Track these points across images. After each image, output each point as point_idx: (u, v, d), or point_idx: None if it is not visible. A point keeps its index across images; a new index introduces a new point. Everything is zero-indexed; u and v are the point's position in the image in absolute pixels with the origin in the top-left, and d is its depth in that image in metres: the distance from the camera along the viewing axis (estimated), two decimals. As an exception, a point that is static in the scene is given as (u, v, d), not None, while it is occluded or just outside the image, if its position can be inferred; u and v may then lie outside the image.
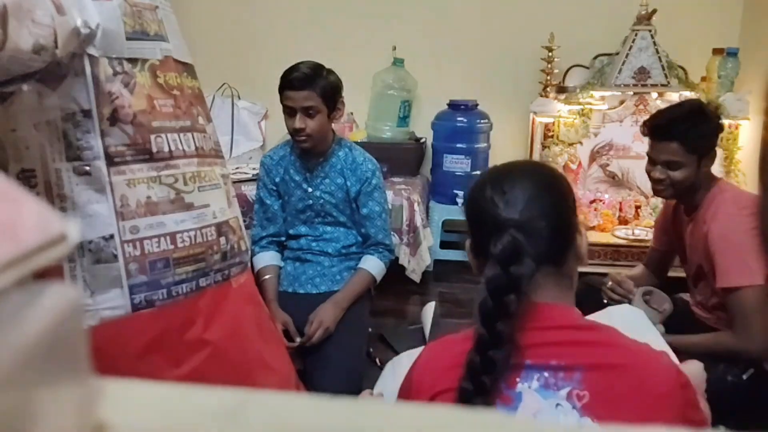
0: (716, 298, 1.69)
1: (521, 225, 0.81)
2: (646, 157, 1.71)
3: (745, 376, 1.58)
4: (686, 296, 2.05)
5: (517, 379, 0.79)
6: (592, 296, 2.10)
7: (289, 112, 1.82)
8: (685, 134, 1.58)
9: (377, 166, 1.96)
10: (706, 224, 1.60)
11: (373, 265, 1.90)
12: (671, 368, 0.81)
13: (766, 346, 1.53)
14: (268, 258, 1.95)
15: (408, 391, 0.88)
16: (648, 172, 1.70)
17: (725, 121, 2.59)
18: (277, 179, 1.95)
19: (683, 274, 1.93)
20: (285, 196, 1.96)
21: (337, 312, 1.77)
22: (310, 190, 1.92)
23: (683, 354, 1.56)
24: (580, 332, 0.82)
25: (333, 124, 1.93)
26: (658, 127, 1.65)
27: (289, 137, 1.94)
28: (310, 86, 1.79)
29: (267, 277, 1.89)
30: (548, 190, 0.86)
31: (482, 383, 0.77)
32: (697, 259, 1.70)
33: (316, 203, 1.92)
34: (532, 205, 0.83)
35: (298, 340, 1.70)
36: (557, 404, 0.77)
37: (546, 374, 0.79)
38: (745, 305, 1.53)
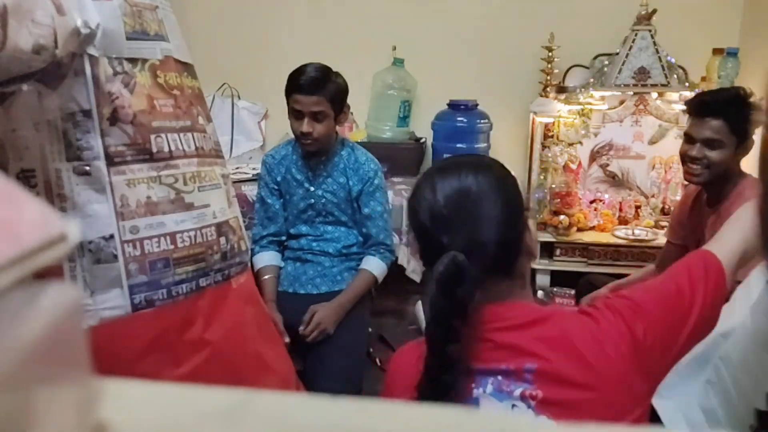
0: None
1: (464, 248, 0.79)
2: (683, 137, 1.68)
3: None
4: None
5: (473, 386, 0.80)
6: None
7: (297, 115, 1.82)
8: (731, 113, 1.57)
9: (379, 166, 1.96)
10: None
11: (374, 266, 1.90)
12: (612, 330, 0.81)
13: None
14: (268, 258, 1.95)
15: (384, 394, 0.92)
16: (683, 153, 1.66)
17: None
18: (279, 178, 1.95)
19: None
20: (286, 195, 1.96)
21: (338, 314, 1.77)
22: (312, 189, 1.92)
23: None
24: (529, 330, 0.81)
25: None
26: (704, 104, 1.64)
27: (291, 136, 1.94)
28: (320, 91, 1.79)
29: (266, 277, 1.89)
30: (493, 201, 0.83)
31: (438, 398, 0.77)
32: None
33: (318, 202, 1.92)
34: (474, 226, 0.81)
35: (287, 339, 1.69)
36: (513, 405, 0.77)
37: (499, 378, 0.79)
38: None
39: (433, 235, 0.83)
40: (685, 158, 1.66)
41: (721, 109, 1.59)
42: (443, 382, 0.77)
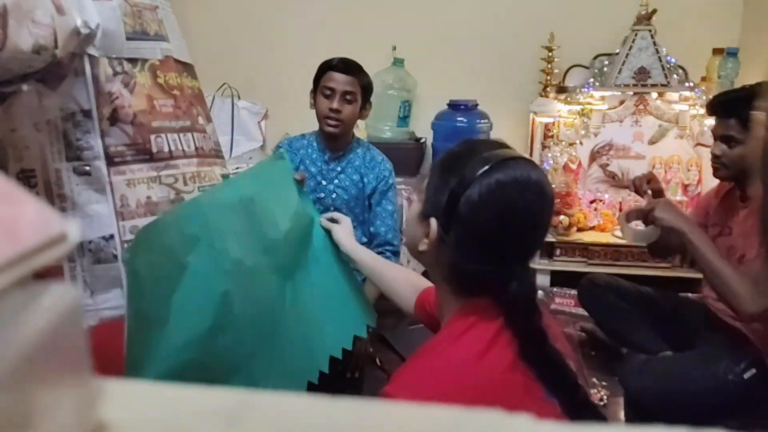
0: None
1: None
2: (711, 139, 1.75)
3: (746, 376, 1.57)
4: (694, 296, 2.05)
5: None
6: (594, 295, 2.11)
7: (329, 94, 1.85)
8: (743, 112, 1.62)
9: (392, 167, 2.00)
10: None
11: None
12: None
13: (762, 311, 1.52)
14: None
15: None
16: (711, 153, 1.74)
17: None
18: (312, 169, 1.96)
19: (687, 275, 1.93)
20: None
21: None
22: (324, 182, 1.94)
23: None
24: None
25: None
26: (719, 104, 1.72)
27: (291, 136, 1.95)
28: (355, 74, 1.87)
29: None
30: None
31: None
32: (743, 245, 1.68)
33: (328, 197, 1.93)
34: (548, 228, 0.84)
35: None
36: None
37: None
38: None
39: (536, 228, 0.81)
40: (711, 156, 1.74)
41: (733, 108, 1.65)
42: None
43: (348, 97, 1.85)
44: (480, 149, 0.82)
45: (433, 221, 0.81)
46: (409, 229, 0.89)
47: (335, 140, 1.92)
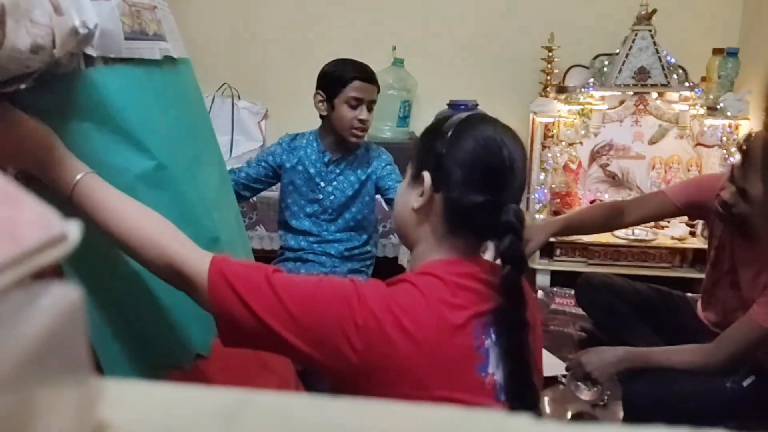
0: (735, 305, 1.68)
1: (518, 197, 0.89)
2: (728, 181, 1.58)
3: (745, 384, 1.56)
4: (690, 295, 2.05)
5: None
6: (590, 295, 2.11)
7: (355, 104, 1.83)
8: None
9: (389, 155, 2.01)
10: None
11: None
12: None
13: (723, 369, 1.54)
14: None
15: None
16: (721, 196, 1.59)
17: (724, 122, 2.60)
18: (287, 165, 1.94)
19: (687, 275, 1.92)
20: (289, 186, 1.95)
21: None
22: (322, 184, 1.93)
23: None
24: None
25: None
26: (759, 149, 1.50)
27: (303, 132, 1.97)
28: (376, 82, 1.89)
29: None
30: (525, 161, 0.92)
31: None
32: (734, 265, 1.66)
33: (326, 198, 1.93)
34: (523, 173, 0.89)
35: None
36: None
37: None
38: (755, 339, 1.50)
39: (506, 173, 0.87)
40: (718, 200, 1.61)
41: None
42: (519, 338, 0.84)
43: (372, 105, 1.86)
44: (452, 113, 0.95)
45: (426, 174, 0.89)
46: (400, 202, 0.96)
47: (345, 145, 1.90)
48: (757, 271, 1.58)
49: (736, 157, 1.62)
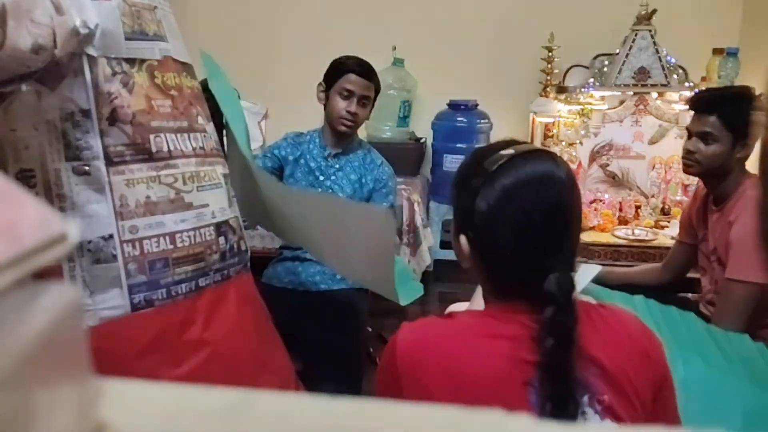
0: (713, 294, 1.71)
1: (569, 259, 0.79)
2: (686, 133, 1.77)
3: None
4: (690, 295, 2.05)
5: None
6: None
7: (346, 95, 1.88)
8: (725, 110, 1.63)
9: (393, 171, 2.02)
10: (734, 215, 1.63)
11: None
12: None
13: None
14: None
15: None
16: (683, 148, 1.74)
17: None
18: (290, 157, 1.97)
19: (691, 275, 1.93)
20: (290, 178, 1.98)
21: None
22: (321, 178, 1.95)
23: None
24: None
25: None
26: (702, 99, 1.74)
27: (307, 130, 1.99)
28: (372, 79, 1.91)
29: None
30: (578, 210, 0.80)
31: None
32: (714, 245, 1.73)
33: (325, 193, 1.93)
34: (571, 225, 0.79)
35: None
36: (582, 412, 0.75)
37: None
38: (739, 296, 1.56)
39: (544, 237, 0.77)
40: (683, 151, 1.75)
41: (716, 105, 1.66)
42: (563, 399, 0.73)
43: (364, 100, 1.89)
44: (483, 156, 0.81)
45: (463, 238, 0.82)
46: (456, 248, 0.88)
47: (341, 138, 1.94)
48: (728, 240, 1.63)
49: (690, 113, 1.77)
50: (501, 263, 0.79)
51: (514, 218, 0.77)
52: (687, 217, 1.94)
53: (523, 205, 0.76)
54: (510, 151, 0.79)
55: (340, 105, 1.87)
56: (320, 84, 1.94)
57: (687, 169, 1.76)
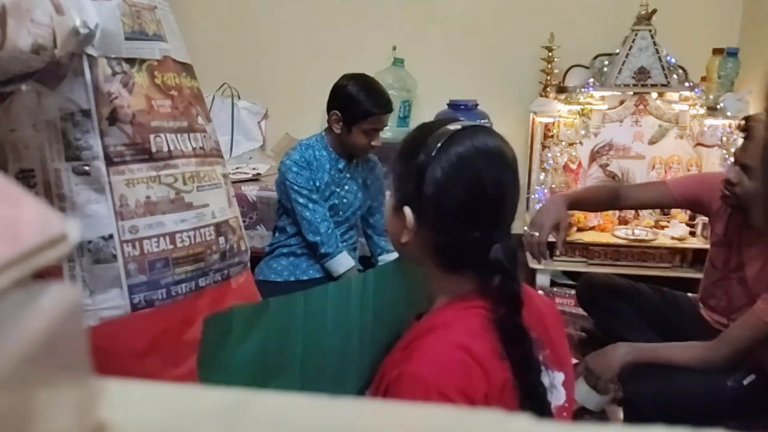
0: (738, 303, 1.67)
1: (509, 225, 0.83)
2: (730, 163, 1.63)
3: (745, 382, 1.56)
4: (691, 295, 2.05)
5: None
6: (591, 296, 2.11)
7: (373, 132, 1.88)
8: None
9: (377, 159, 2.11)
10: None
11: None
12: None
13: (726, 365, 1.53)
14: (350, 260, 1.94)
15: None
16: (725, 176, 1.61)
17: (724, 122, 2.60)
18: (318, 183, 1.94)
19: (687, 276, 1.92)
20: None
21: None
22: (337, 189, 1.99)
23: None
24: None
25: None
26: (755, 128, 1.56)
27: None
28: (392, 109, 1.95)
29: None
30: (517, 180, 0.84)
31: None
32: (749, 272, 1.65)
33: (341, 202, 1.99)
34: (514, 210, 0.82)
35: None
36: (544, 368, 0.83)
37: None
38: (761, 335, 1.49)
39: (497, 200, 0.80)
40: (724, 181, 1.61)
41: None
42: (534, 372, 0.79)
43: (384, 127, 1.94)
44: (433, 127, 0.83)
45: (407, 209, 0.81)
46: (389, 225, 0.88)
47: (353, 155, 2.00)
48: (763, 266, 1.58)
49: (739, 141, 1.64)
50: (451, 232, 0.80)
51: (468, 186, 0.78)
52: (693, 196, 1.80)
53: (479, 174, 0.78)
54: (457, 126, 0.81)
55: (365, 141, 1.88)
56: (334, 113, 1.87)
57: (726, 200, 1.63)
